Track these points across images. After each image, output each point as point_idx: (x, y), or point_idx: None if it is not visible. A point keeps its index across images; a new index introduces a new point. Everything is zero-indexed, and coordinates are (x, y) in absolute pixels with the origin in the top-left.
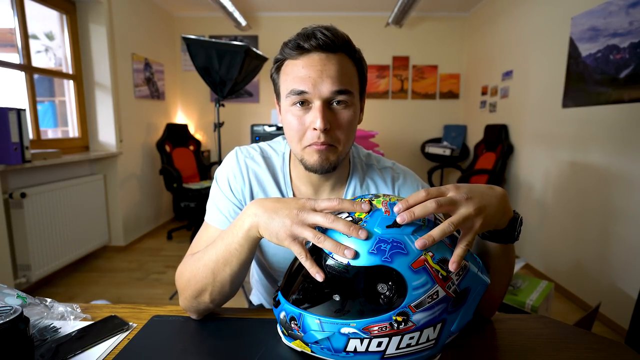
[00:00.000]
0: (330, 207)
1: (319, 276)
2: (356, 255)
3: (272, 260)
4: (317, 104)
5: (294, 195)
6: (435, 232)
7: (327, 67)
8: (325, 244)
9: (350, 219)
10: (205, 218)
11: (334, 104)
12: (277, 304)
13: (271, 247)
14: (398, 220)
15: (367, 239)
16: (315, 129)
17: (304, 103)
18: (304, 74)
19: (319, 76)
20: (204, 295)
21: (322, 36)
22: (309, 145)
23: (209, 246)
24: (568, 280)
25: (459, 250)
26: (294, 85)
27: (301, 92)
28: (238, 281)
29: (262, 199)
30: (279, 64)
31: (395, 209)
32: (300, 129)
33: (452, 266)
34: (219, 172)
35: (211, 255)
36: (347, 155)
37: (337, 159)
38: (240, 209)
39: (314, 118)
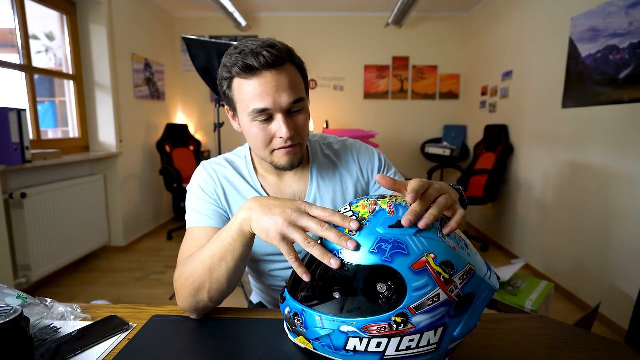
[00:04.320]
0: (321, 216)
1: (305, 277)
2: (340, 264)
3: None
4: (279, 116)
5: (261, 186)
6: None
7: (281, 81)
8: (313, 250)
9: (354, 217)
10: (187, 226)
11: (292, 112)
12: (283, 299)
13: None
14: (421, 225)
15: (356, 249)
16: (281, 137)
17: (267, 118)
18: (261, 91)
19: (275, 92)
20: (202, 293)
21: (269, 54)
22: (278, 149)
23: (207, 244)
24: (568, 280)
25: (458, 217)
26: (254, 104)
27: (264, 110)
28: (235, 278)
29: (260, 196)
30: (229, 82)
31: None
32: (266, 138)
33: (446, 230)
34: (190, 184)
35: (208, 252)
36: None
37: (302, 155)
38: (218, 207)
39: (279, 128)
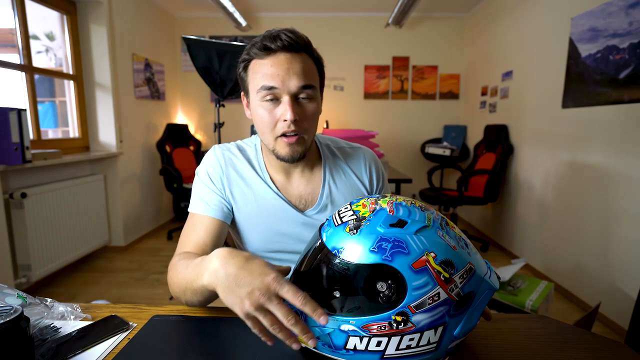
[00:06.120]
0: (292, 301)
1: (269, 343)
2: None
3: (247, 245)
4: (286, 99)
5: (270, 178)
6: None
7: (293, 65)
8: (279, 335)
9: (354, 217)
10: (189, 208)
11: (300, 98)
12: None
13: (247, 232)
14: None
15: (314, 348)
16: (285, 120)
17: (274, 98)
18: (272, 71)
19: (286, 73)
20: (182, 301)
21: (287, 38)
22: (280, 136)
23: (186, 267)
24: (568, 280)
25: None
26: (263, 81)
27: (271, 88)
28: (210, 302)
29: (227, 255)
30: (245, 63)
31: None
32: (271, 121)
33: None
34: (199, 167)
35: (182, 280)
36: (312, 143)
37: (305, 148)
38: (221, 197)
39: (284, 111)
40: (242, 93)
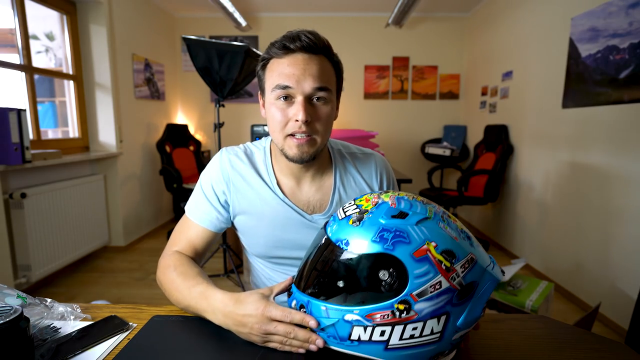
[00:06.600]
0: (282, 320)
1: (301, 351)
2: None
3: (250, 249)
4: (299, 99)
5: (278, 183)
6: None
7: (310, 66)
8: (291, 348)
9: (357, 210)
10: (186, 206)
11: (315, 99)
12: (289, 294)
13: (250, 238)
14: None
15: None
16: (297, 120)
17: (288, 98)
18: (288, 71)
19: (302, 74)
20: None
21: (306, 39)
22: (290, 135)
23: (187, 288)
24: (568, 280)
25: None
26: (279, 80)
27: (286, 87)
28: None
29: (228, 303)
30: (265, 62)
31: None
32: (283, 120)
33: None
34: (205, 172)
35: (182, 301)
36: (324, 147)
37: (315, 150)
38: (216, 211)
39: (297, 111)
40: (259, 93)
